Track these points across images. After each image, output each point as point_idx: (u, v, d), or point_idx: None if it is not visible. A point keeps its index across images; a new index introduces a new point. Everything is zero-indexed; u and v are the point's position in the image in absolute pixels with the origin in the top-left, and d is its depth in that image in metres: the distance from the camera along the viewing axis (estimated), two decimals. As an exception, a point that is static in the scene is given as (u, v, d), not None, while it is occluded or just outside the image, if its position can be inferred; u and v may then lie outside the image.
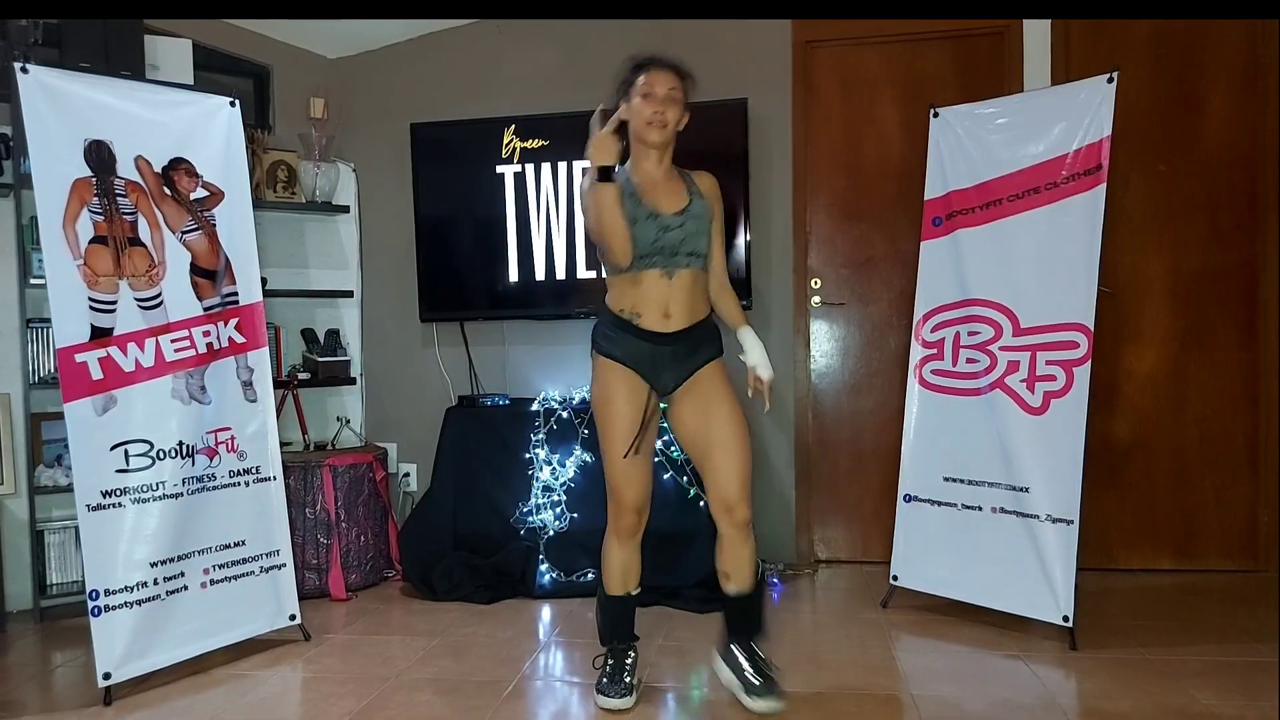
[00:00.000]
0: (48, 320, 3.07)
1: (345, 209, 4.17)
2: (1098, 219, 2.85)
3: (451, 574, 3.49)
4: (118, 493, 2.62)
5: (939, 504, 3.18)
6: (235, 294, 2.96)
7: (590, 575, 3.48)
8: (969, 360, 3.13)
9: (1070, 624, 2.82)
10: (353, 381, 4.15)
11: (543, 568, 3.50)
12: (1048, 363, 2.94)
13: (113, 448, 2.62)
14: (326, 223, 4.18)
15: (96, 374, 2.61)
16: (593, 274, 3.79)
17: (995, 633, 2.97)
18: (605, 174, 2.25)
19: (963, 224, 3.16)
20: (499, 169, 3.85)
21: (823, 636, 2.99)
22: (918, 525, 3.21)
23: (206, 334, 2.85)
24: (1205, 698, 2.44)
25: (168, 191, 2.83)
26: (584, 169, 2.34)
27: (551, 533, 3.55)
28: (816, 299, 3.89)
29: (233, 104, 2.98)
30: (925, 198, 3.26)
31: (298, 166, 3.96)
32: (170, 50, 3.47)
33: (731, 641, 2.42)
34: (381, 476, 3.80)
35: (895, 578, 3.25)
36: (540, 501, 3.58)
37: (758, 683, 2.34)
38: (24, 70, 2.55)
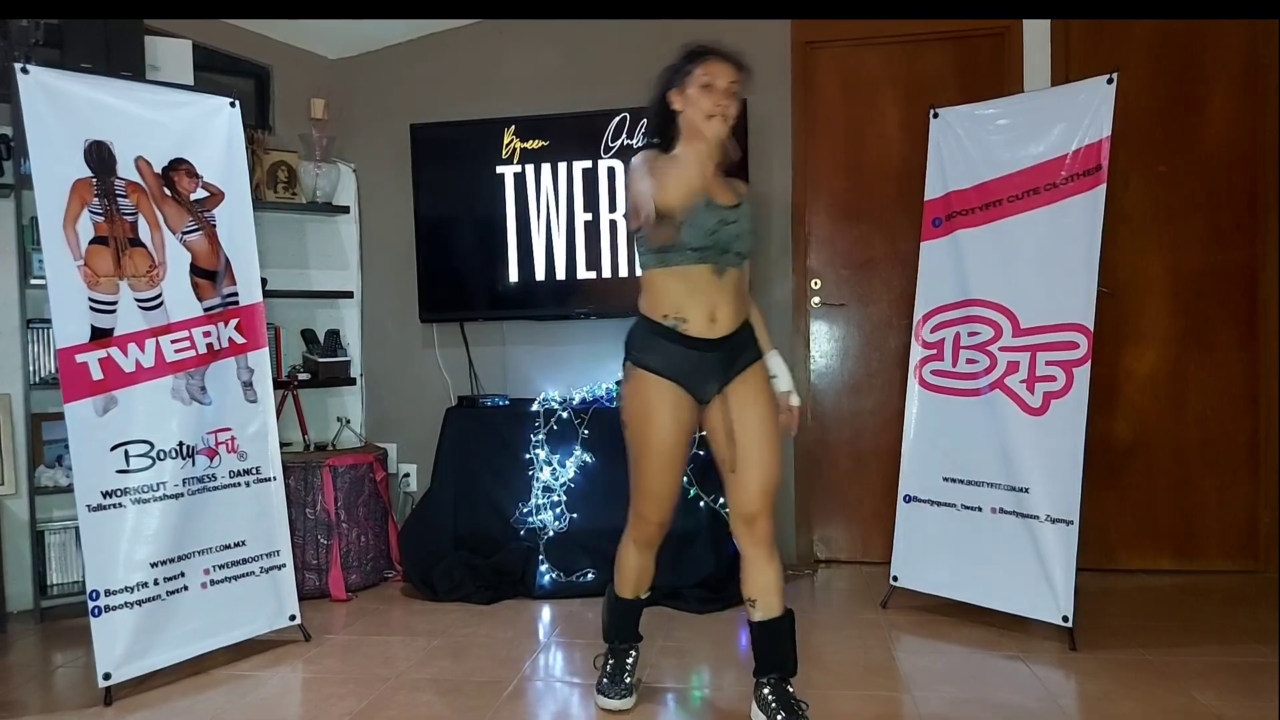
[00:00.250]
0: (48, 321, 3.07)
1: (345, 209, 4.17)
2: (1098, 219, 2.85)
3: (452, 574, 3.49)
4: (118, 493, 2.62)
5: (939, 504, 3.18)
6: (235, 294, 2.96)
7: (590, 575, 3.48)
8: (969, 361, 3.13)
9: (1070, 624, 2.82)
10: (353, 382, 4.15)
11: (543, 568, 3.50)
12: (1048, 363, 2.94)
13: (113, 448, 2.63)
14: (327, 223, 4.18)
15: (97, 374, 2.61)
16: (593, 274, 3.79)
17: (995, 633, 2.97)
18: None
19: (963, 224, 3.16)
20: (499, 169, 3.85)
21: (823, 637, 2.99)
22: (918, 526, 3.21)
23: (207, 334, 2.85)
24: (1205, 698, 2.44)
25: (168, 192, 2.83)
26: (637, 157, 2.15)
27: (551, 533, 3.55)
28: (816, 299, 3.89)
29: (233, 104, 2.98)
30: (925, 198, 3.26)
31: (298, 167, 3.96)
32: (170, 51, 3.47)
33: (760, 677, 2.26)
34: (381, 477, 3.80)
35: (895, 578, 3.25)
36: (540, 502, 3.58)
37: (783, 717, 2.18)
38: (24, 71, 2.55)
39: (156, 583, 2.67)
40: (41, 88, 2.58)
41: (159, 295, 2.77)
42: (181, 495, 2.75)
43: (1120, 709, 2.39)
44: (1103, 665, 2.70)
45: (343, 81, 4.25)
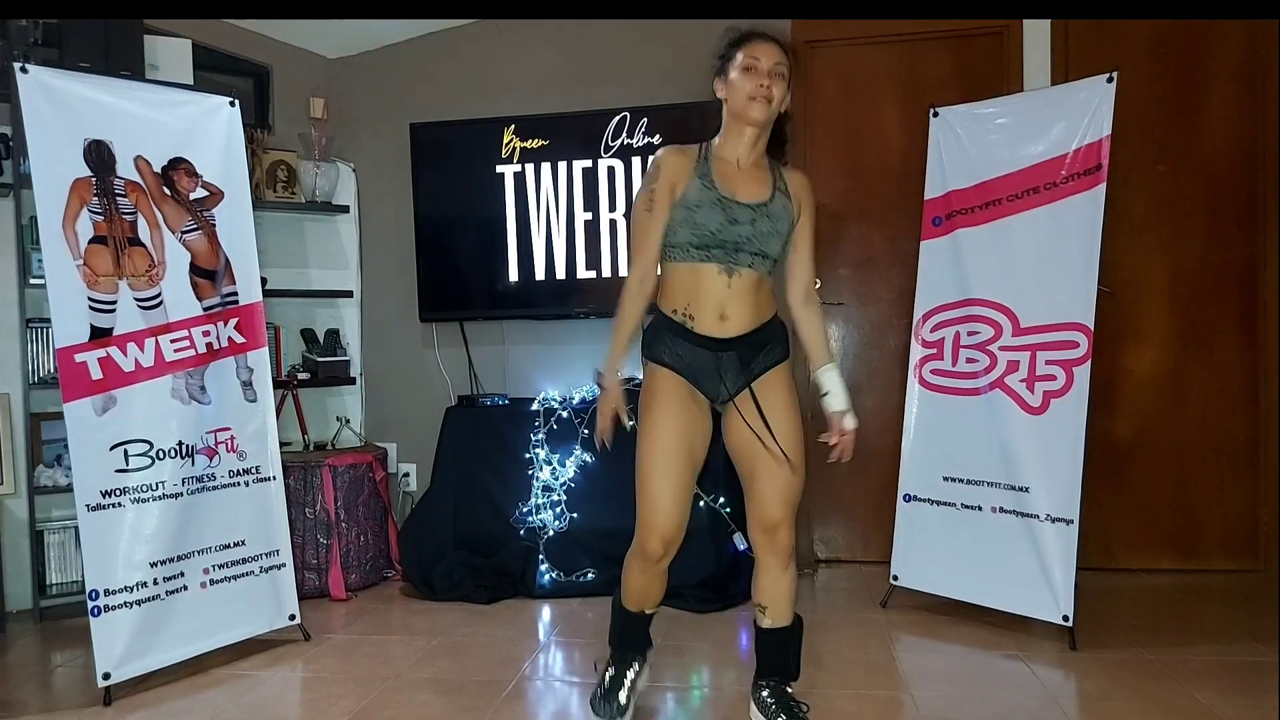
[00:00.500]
0: (47, 320, 3.07)
1: (345, 209, 4.17)
2: (1097, 219, 2.85)
3: (451, 574, 3.48)
4: (117, 493, 2.62)
5: (939, 504, 3.18)
6: (235, 294, 2.96)
7: (590, 575, 3.48)
8: (969, 360, 3.13)
9: (1070, 624, 2.82)
10: (352, 381, 4.15)
11: (543, 567, 3.50)
12: (1048, 362, 2.94)
13: (112, 448, 2.62)
14: (326, 223, 4.18)
15: (96, 374, 2.61)
16: (592, 274, 3.79)
17: (995, 633, 2.97)
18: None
19: (962, 224, 3.16)
20: (499, 169, 3.85)
21: (822, 636, 2.99)
22: (917, 525, 3.21)
23: (206, 334, 2.85)
24: (1205, 697, 2.44)
25: (167, 191, 2.83)
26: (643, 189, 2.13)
27: (551, 532, 3.55)
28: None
29: (232, 104, 2.98)
30: (925, 197, 3.26)
31: (297, 166, 3.96)
32: (170, 50, 3.47)
33: (761, 679, 2.23)
34: (381, 476, 3.80)
35: (895, 577, 3.25)
36: (540, 501, 3.58)
37: None
38: (24, 70, 2.55)
39: (156, 582, 2.67)
40: (41, 87, 2.58)
41: (158, 295, 2.77)
42: (181, 495, 2.75)
43: (1120, 708, 2.39)
44: (1102, 665, 2.70)
45: (342, 81, 4.25)
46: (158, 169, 2.81)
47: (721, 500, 3.29)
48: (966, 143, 3.16)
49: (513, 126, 3.83)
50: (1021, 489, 2.96)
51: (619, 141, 3.72)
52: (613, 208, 3.75)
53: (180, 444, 2.76)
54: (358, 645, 3.01)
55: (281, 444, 3.11)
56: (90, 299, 2.63)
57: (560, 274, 3.82)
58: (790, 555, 2.17)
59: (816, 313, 2.27)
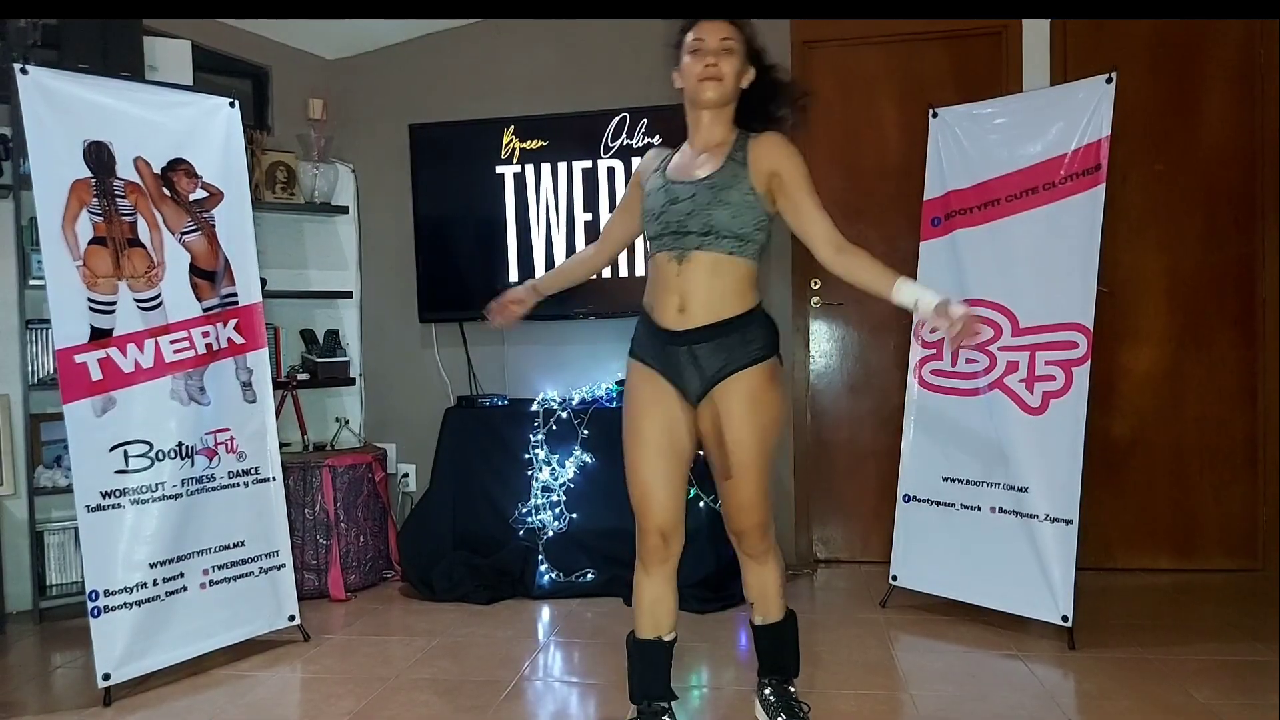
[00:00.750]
0: (47, 321, 3.06)
1: (344, 209, 4.17)
2: (1097, 219, 2.85)
3: (451, 574, 3.49)
4: (117, 494, 2.62)
5: (938, 504, 3.18)
6: (234, 295, 2.96)
7: (590, 575, 3.48)
8: (968, 360, 3.13)
9: (1069, 624, 2.82)
10: (352, 382, 4.15)
11: (542, 568, 3.50)
12: (1047, 363, 2.94)
13: (112, 449, 2.63)
14: (325, 223, 4.18)
15: (96, 375, 2.61)
16: (592, 274, 3.78)
17: (994, 632, 2.98)
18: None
19: (961, 224, 3.16)
20: (498, 169, 3.85)
21: (821, 636, 2.99)
22: (917, 525, 3.22)
23: (206, 335, 2.85)
24: (1203, 697, 2.44)
25: (167, 192, 2.83)
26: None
27: (551, 533, 3.55)
28: (816, 299, 3.89)
29: (232, 105, 2.98)
30: (924, 198, 3.26)
31: (297, 167, 3.96)
32: (169, 51, 3.47)
33: (763, 677, 2.24)
34: (381, 477, 3.80)
35: (894, 577, 3.26)
36: (539, 502, 3.58)
37: None
38: (23, 71, 2.55)
39: (155, 583, 2.67)
40: (40, 88, 2.58)
41: (158, 296, 2.77)
42: (180, 495, 2.75)
43: (1118, 707, 2.40)
44: (1101, 664, 2.70)
45: (341, 82, 4.25)
46: (157, 170, 2.81)
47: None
48: (965, 143, 3.17)
49: (512, 127, 3.83)
50: (1021, 489, 2.97)
51: (619, 142, 3.73)
52: (613, 208, 3.74)
53: (180, 445, 2.76)
54: (357, 646, 3.01)
55: (281, 445, 3.11)
56: (90, 300, 2.63)
57: (559, 274, 3.81)
58: (765, 553, 2.13)
59: (856, 255, 2.01)
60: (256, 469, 2.98)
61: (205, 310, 2.87)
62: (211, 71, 3.75)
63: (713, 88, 2.00)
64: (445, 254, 3.95)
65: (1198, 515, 3.65)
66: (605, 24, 3.88)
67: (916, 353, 3.26)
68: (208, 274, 2.89)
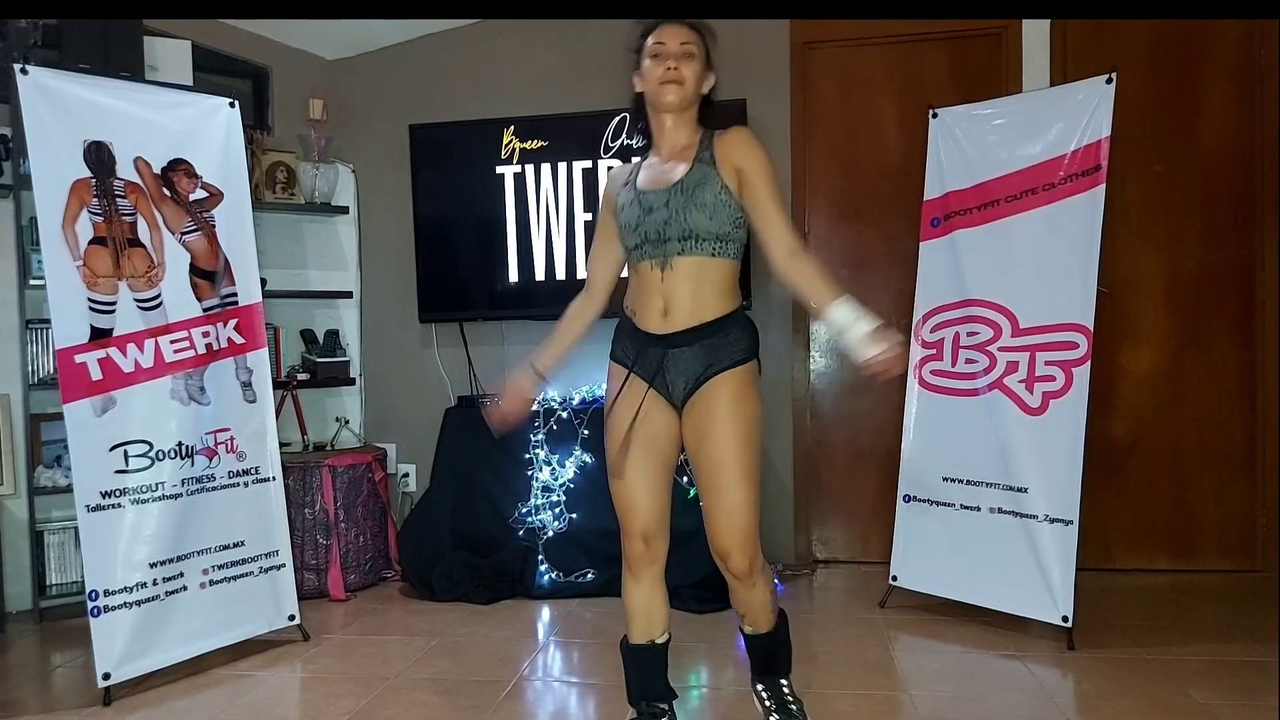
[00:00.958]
0: (47, 321, 3.06)
1: (344, 210, 4.17)
2: (1097, 219, 2.85)
3: (451, 574, 3.49)
4: (117, 493, 2.62)
5: (938, 504, 3.18)
6: (234, 295, 2.96)
7: (590, 575, 3.48)
8: (968, 361, 3.13)
9: (1069, 624, 2.82)
10: (352, 382, 4.15)
11: (542, 568, 3.50)
12: (1047, 363, 2.94)
13: (112, 448, 2.63)
14: (325, 223, 4.19)
15: (96, 375, 2.62)
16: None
17: (993, 633, 2.98)
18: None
19: (961, 224, 3.16)
20: (498, 169, 3.85)
21: (821, 636, 2.99)
22: (916, 525, 3.22)
23: (206, 335, 2.85)
24: (1203, 697, 2.44)
25: (167, 192, 2.83)
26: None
27: (551, 533, 3.55)
28: (815, 299, 3.89)
29: (232, 105, 2.98)
30: (924, 198, 3.26)
31: (297, 167, 3.96)
32: (169, 51, 3.47)
33: (755, 679, 2.24)
34: (380, 477, 3.80)
35: (894, 578, 3.26)
36: (539, 502, 3.58)
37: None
38: (24, 71, 2.55)
39: (155, 583, 2.68)
40: (40, 88, 2.58)
41: (158, 295, 2.77)
42: (180, 495, 2.75)
43: (1117, 708, 2.40)
44: (1100, 664, 2.70)
45: (341, 82, 4.25)
46: (157, 170, 2.82)
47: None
48: (965, 144, 3.17)
49: (512, 127, 3.83)
50: (1020, 490, 2.97)
51: (619, 142, 3.73)
52: (612, 208, 3.75)
53: (180, 445, 2.76)
54: (357, 645, 3.01)
55: (281, 444, 3.11)
56: (90, 300, 2.63)
57: (560, 274, 3.82)
58: (751, 574, 2.03)
59: (806, 262, 1.98)
60: (256, 469, 2.98)
61: (205, 310, 2.87)
62: (211, 72, 3.75)
63: (673, 91, 1.99)
64: (445, 254, 3.95)
65: (1197, 516, 3.65)
66: (605, 24, 3.88)
67: (917, 353, 3.26)
68: (208, 274, 2.89)
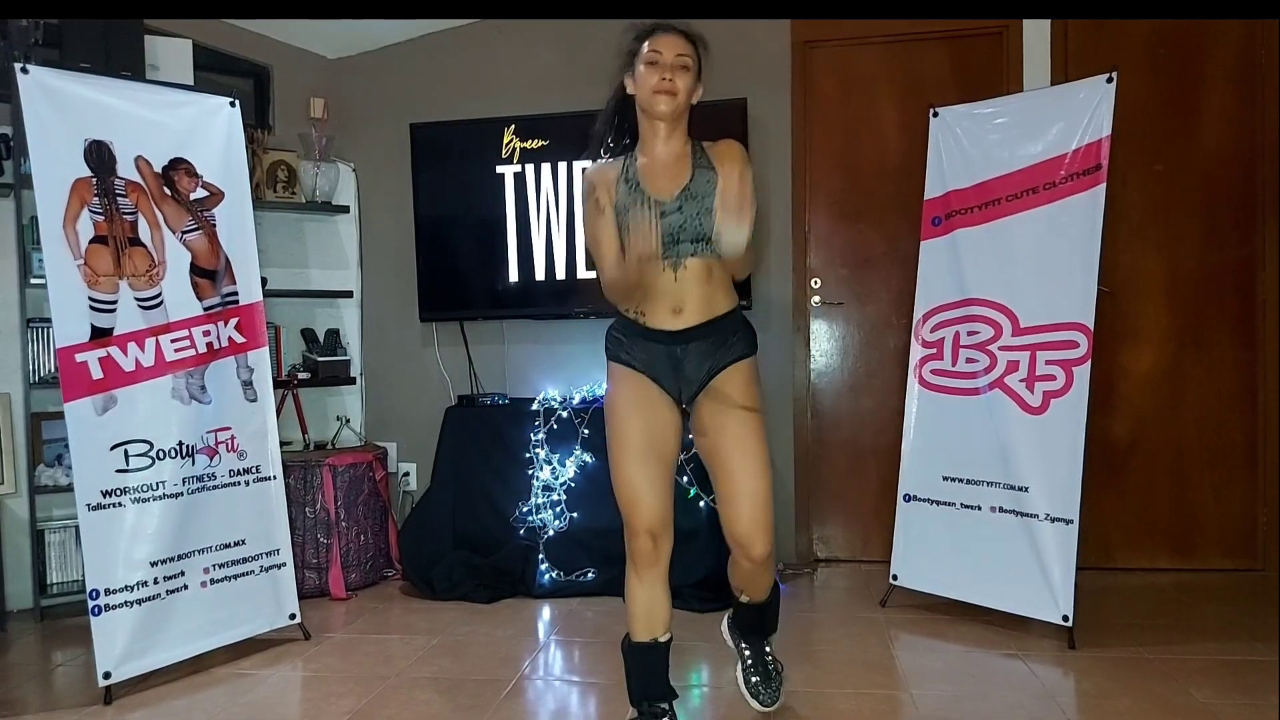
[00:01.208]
0: (48, 320, 3.08)
1: (345, 209, 4.17)
2: (1097, 219, 2.85)
3: (451, 573, 3.49)
4: (118, 492, 2.62)
5: (938, 503, 3.18)
6: (235, 294, 2.96)
7: (590, 575, 3.48)
8: (968, 360, 3.13)
9: (1069, 623, 2.82)
10: (352, 381, 4.15)
11: (542, 567, 3.51)
12: (1047, 362, 2.94)
13: (113, 447, 2.63)
14: (326, 223, 4.19)
15: (96, 374, 2.62)
16: (593, 274, 3.78)
17: (994, 632, 2.98)
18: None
19: (961, 224, 3.16)
20: (499, 169, 3.85)
21: (821, 635, 2.99)
22: (917, 524, 3.22)
23: (206, 334, 2.86)
24: (1203, 696, 2.45)
25: (168, 191, 2.83)
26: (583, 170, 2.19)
27: (551, 532, 3.55)
28: (816, 299, 3.89)
29: (233, 104, 2.98)
30: (925, 197, 3.26)
31: (297, 166, 3.97)
32: (170, 50, 3.47)
33: (742, 640, 2.38)
34: (381, 476, 3.81)
35: (894, 577, 3.26)
36: (540, 501, 3.58)
37: (756, 679, 2.35)
38: (24, 71, 2.56)
39: (156, 582, 2.68)
40: (41, 88, 2.58)
41: (159, 294, 2.77)
42: (181, 494, 2.75)
43: (1118, 707, 2.40)
44: (1101, 664, 2.71)
45: (342, 81, 4.25)
46: (158, 169, 2.82)
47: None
48: (966, 143, 3.17)
49: (512, 127, 3.84)
50: (1021, 489, 2.97)
51: (619, 142, 3.72)
52: (612, 208, 3.75)
53: (180, 444, 2.76)
54: (358, 644, 3.01)
55: (281, 443, 3.11)
56: (91, 299, 2.63)
57: (560, 274, 3.82)
58: (767, 562, 2.13)
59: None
60: (257, 468, 2.98)
61: (206, 309, 2.87)
62: (212, 71, 3.75)
63: (666, 101, 2.05)
64: (446, 253, 3.95)
65: (1197, 515, 3.65)
66: (605, 24, 3.86)
67: (917, 352, 3.26)
68: (208, 273, 2.89)
